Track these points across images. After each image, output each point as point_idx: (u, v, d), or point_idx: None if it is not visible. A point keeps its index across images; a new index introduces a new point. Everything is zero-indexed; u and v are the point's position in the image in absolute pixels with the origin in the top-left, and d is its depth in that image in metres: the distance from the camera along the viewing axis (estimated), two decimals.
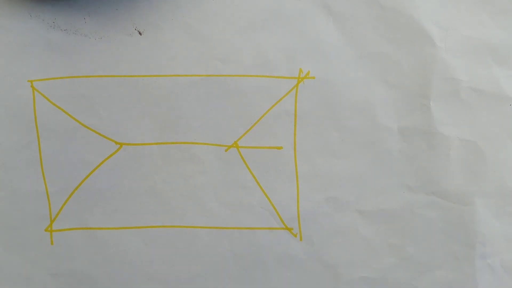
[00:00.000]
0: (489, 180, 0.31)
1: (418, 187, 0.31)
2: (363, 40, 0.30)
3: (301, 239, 0.32)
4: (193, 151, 0.31)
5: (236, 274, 0.32)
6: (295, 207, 0.32)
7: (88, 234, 0.32)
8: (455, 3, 0.30)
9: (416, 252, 0.32)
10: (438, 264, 0.32)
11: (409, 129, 0.31)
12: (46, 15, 0.30)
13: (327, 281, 0.32)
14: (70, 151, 0.31)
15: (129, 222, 0.32)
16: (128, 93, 0.30)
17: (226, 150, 0.31)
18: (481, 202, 0.31)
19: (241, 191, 0.31)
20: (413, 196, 0.31)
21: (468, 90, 0.30)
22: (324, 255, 0.32)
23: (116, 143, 0.31)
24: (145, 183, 0.31)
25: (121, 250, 0.32)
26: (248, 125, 0.31)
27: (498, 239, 0.31)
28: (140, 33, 0.30)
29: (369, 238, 0.32)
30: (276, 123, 0.31)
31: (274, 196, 0.31)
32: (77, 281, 0.32)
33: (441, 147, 0.31)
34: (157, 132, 0.31)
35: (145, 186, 0.31)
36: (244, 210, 0.32)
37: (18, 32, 0.30)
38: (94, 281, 0.32)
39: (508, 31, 0.30)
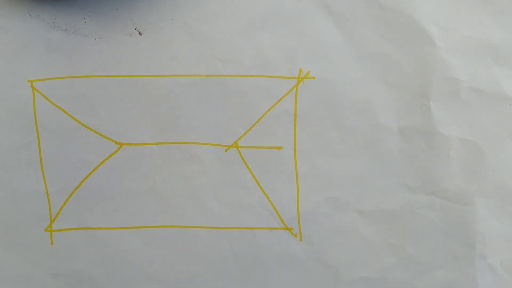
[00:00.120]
0: (489, 180, 0.31)
1: (418, 187, 0.31)
2: (363, 40, 0.30)
3: (301, 239, 0.32)
4: (193, 151, 0.31)
5: (236, 274, 0.32)
6: (295, 207, 0.32)
7: (88, 234, 0.32)
8: (455, 3, 0.30)
9: (416, 252, 0.32)
10: (438, 264, 0.32)
11: (409, 129, 0.31)
12: (46, 15, 0.30)
13: (327, 281, 0.32)
14: (70, 151, 0.31)
15: (129, 222, 0.32)
16: (128, 93, 0.30)
17: (226, 150, 0.31)
18: (481, 202, 0.31)
19: (241, 191, 0.31)
20: (413, 196, 0.31)
21: (468, 90, 0.30)
22: (324, 255, 0.32)
23: (116, 143, 0.31)
24: (145, 183, 0.31)
25: (121, 250, 0.32)
26: (248, 125, 0.31)
27: (498, 239, 0.31)
28: (140, 33, 0.30)
29: (369, 238, 0.32)
30: (276, 123, 0.31)
31: (274, 196, 0.31)
32: (77, 281, 0.32)
33: (441, 147, 0.31)
34: (157, 132, 0.31)
35: (145, 186, 0.31)
36: (244, 210, 0.32)
37: (18, 32, 0.30)
38: (94, 281, 0.32)
39: (508, 31, 0.30)
